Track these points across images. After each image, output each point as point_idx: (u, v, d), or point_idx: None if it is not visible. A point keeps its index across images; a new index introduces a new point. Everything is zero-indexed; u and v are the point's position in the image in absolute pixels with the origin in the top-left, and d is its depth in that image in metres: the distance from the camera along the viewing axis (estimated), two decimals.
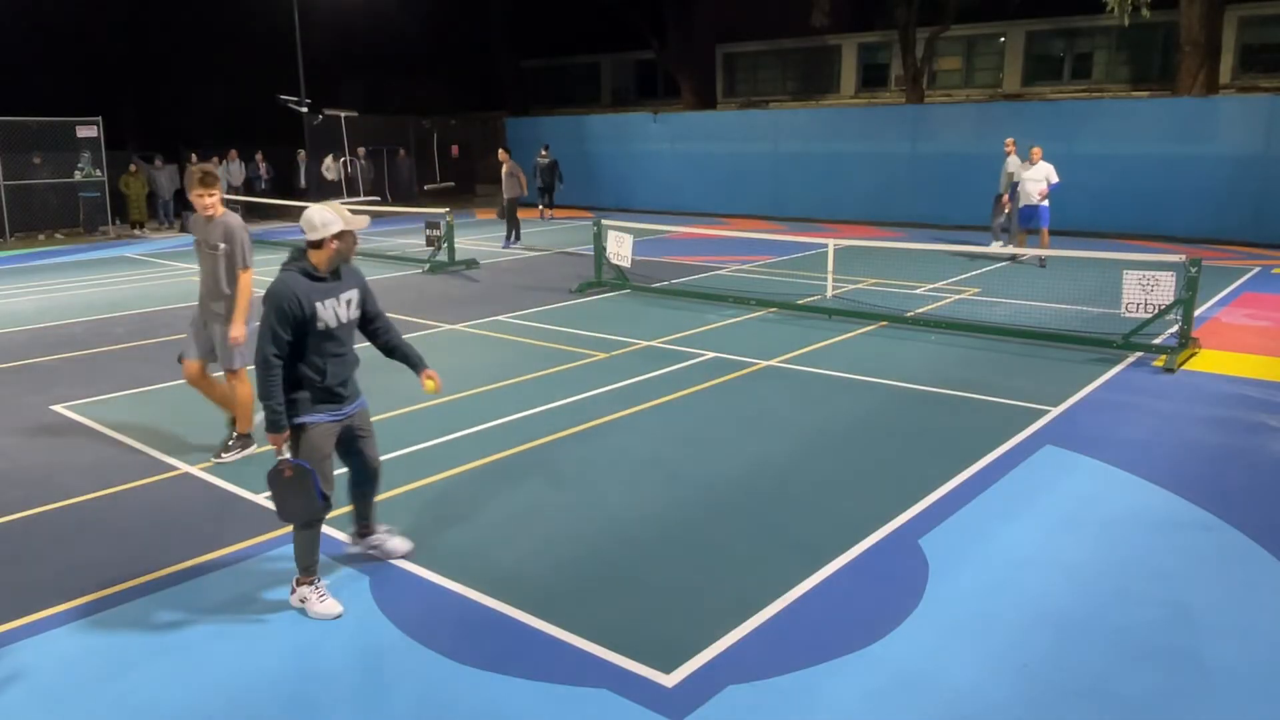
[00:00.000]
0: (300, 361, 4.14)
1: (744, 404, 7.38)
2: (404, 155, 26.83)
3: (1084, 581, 4.44)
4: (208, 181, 5.92)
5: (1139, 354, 8.62)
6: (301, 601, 4.26)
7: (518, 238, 18.03)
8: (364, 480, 4.60)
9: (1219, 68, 20.24)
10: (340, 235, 4.13)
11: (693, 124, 24.80)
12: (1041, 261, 13.89)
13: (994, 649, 3.88)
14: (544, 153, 22.80)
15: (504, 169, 17.94)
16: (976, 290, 12.20)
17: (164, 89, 33.86)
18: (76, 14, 30.25)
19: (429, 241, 15.06)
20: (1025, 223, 14.00)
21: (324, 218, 4.11)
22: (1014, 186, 14.13)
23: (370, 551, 4.73)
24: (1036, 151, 13.82)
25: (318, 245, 4.13)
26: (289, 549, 4.80)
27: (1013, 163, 14.67)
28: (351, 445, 4.45)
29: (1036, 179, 13.66)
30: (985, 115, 19.97)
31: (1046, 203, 13.70)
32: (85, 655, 3.92)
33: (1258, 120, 16.49)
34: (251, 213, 21.19)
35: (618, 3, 29.86)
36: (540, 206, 23.66)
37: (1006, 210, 14.65)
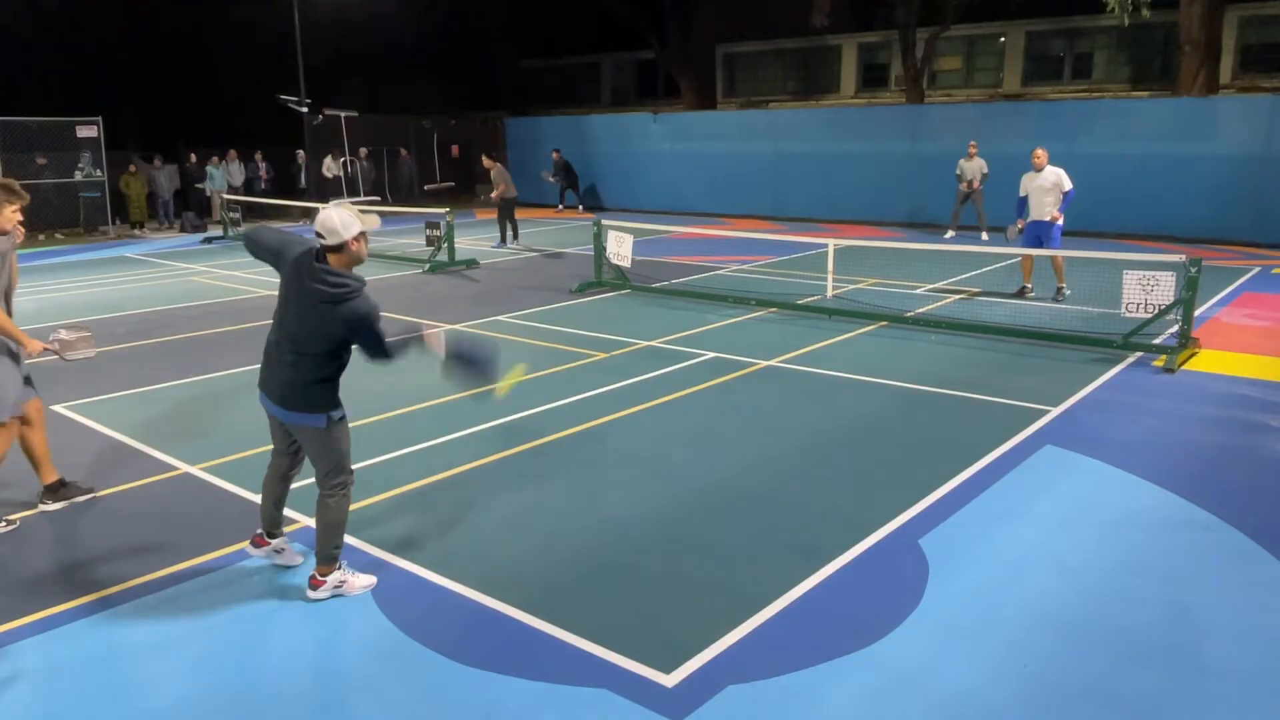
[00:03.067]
0: (339, 362, 4.23)
1: (744, 404, 7.38)
2: (405, 155, 26.83)
3: (1084, 581, 4.44)
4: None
5: (1139, 354, 8.62)
6: (338, 586, 4.35)
7: (515, 237, 18.07)
8: (296, 467, 4.59)
9: (1219, 68, 20.23)
10: (359, 237, 4.08)
11: (693, 124, 24.80)
12: (1059, 294, 11.35)
13: (994, 649, 3.88)
14: (556, 155, 24.72)
15: (492, 173, 17.95)
16: (976, 290, 12.20)
17: (164, 89, 33.87)
18: (77, 14, 30.26)
19: (429, 241, 15.07)
20: (1032, 245, 11.12)
21: (343, 219, 4.02)
22: (1023, 201, 11.21)
23: (274, 558, 4.71)
24: (1040, 155, 11.02)
25: (338, 249, 4.05)
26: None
27: (963, 163, 16.90)
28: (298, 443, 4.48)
29: (1044, 188, 10.93)
30: (985, 115, 19.95)
31: (1060, 221, 10.98)
32: (85, 655, 3.92)
33: (1258, 120, 16.49)
34: (251, 213, 21.21)
35: (618, 3, 29.86)
36: (559, 205, 25.13)
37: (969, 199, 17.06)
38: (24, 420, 5.26)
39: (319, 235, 4.05)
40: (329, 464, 4.30)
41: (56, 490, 5.46)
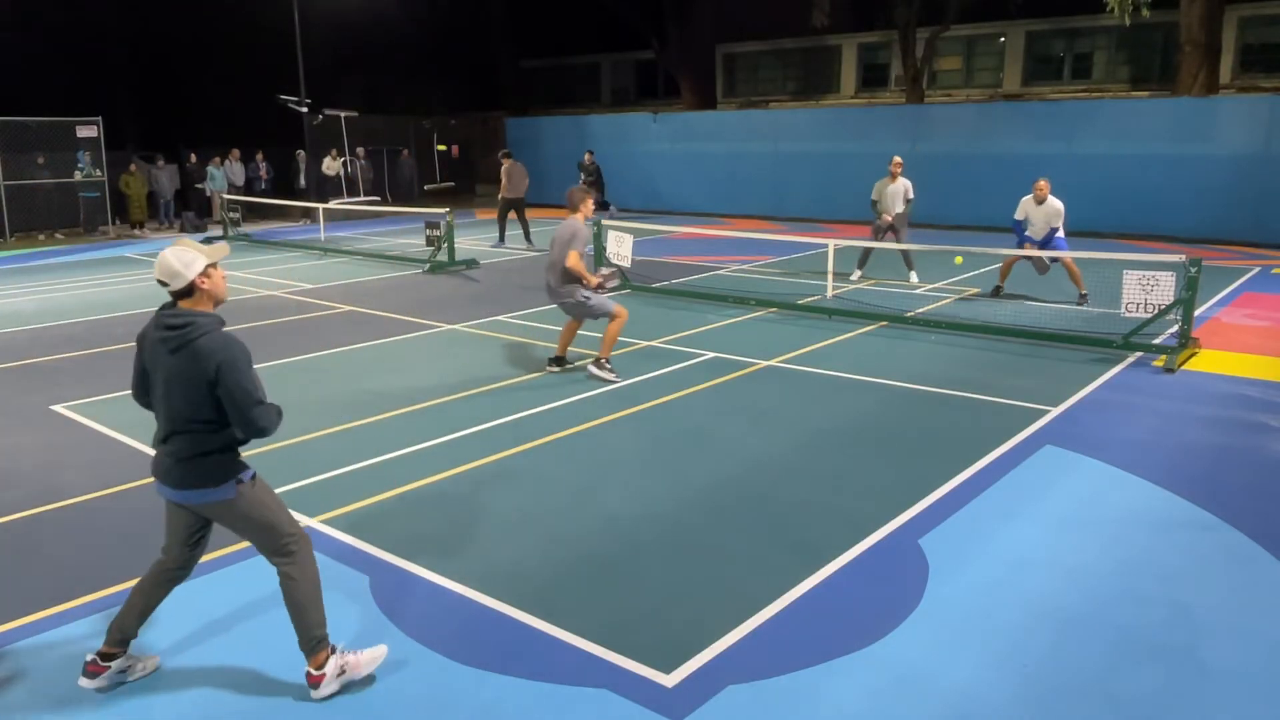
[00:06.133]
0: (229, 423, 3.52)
1: (744, 404, 7.38)
2: (406, 155, 26.83)
3: (1084, 581, 4.44)
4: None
5: (1139, 354, 8.62)
6: (342, 673, 3.65)
7: (526, 238, 18.16)
8: (187, 568, 3.81)
9: (1219, 68, 20.23)
10: (207, 271, 3.51)
11: (693, 124, 24.81)
12: (1081, 299, 11.18)
13: (994, 649, 3.88)
14: (588, 156, 23.07)
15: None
16: (976, 290, 12.20)
17: (164, 89, 33.87)
18: (77, 14, 30.25)
19: (429, 241, 15.07)
20: (1037, 245, 11.16)
21: (182, 258, 3.46)
22: (1017, 224, 11.32)
23: (117, 679, 3.74)
24: (1043, 186, 11.00)
25: (187, 293, 3.49)
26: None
27: (882, 187, 12.58)
28: (202, 532, 3.78)
29: (1038, 223, 11.11)
30: (985, 115, 19.96)
31: (1061, 233, 11.09)
32: (85, 655, 3.91)
33: (1258, 120, 16.49)
34: (251, 212, 21.23)
35: (618, 3, 29.85)
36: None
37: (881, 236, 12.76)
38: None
39: (162, 284, 3.52)
40: (265, 534, 3.63)
41: (561, 362, 8.33)
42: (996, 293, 11.80)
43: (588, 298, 8.07)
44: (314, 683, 3.63)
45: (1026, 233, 11.29)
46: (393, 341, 9.64)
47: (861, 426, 6.82)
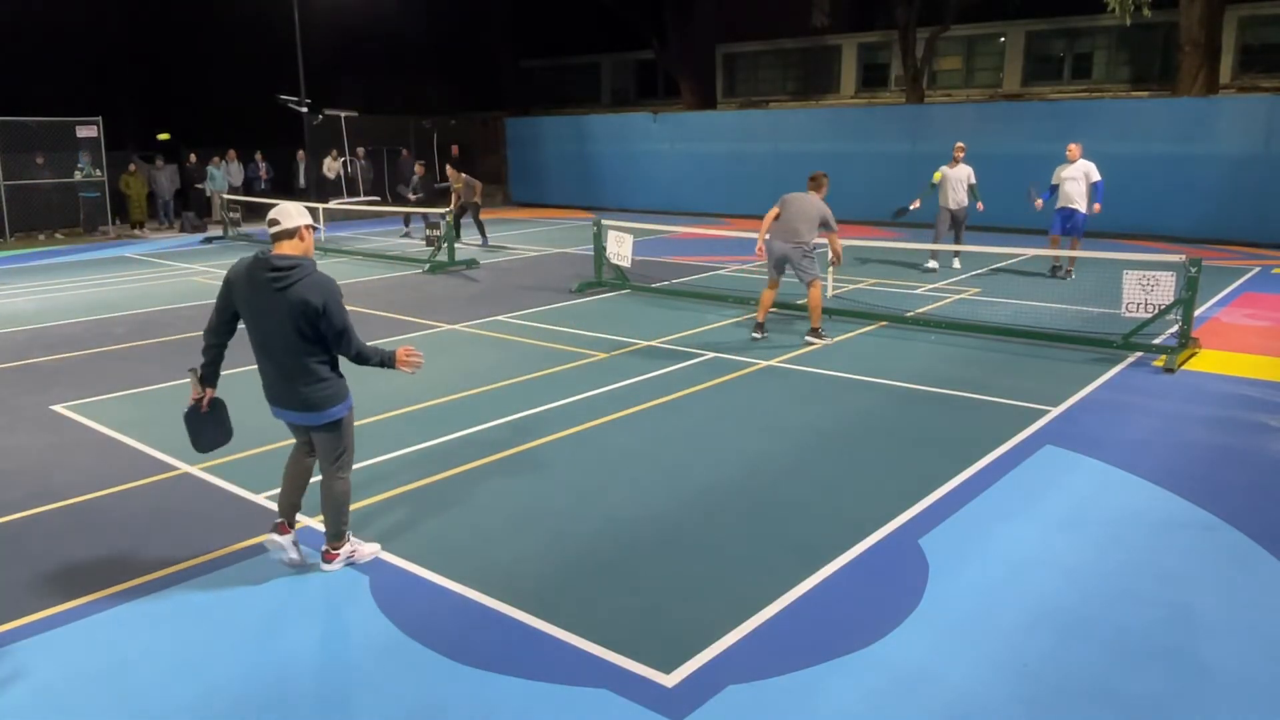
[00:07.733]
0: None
1: (744, 404, 7.38)
2: (406, 155, 26.81)
3: (1084, 582, 4.44)
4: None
5: (1139, 354, 8.62)
6: (350, 556, 4.64)
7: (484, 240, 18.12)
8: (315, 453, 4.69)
9: (1219, 68, 20.24)
10: (310, 227, 4.36)
11: (693, 124, 24.80)
12: (1068, 272, 12.72)
13: (994, 649, 3.88)
14: (419, 169, 19.50)
15: (459, 183, 17.80)
16: (976, 290, 12.20)
17: (164, 89, 33.88)
18: (77, 14, 30.26)
19: (429, 241, 15.07)
20: (1062, 228, 12.44)
21: (296, 208, 4.34)
22: (1053, 189, 12.49)
23: (288, 553, 4.65)
24: (1072, 149, 12.30)
25: (291, 234, 4.26)
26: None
27: (947, 171, 13.37)
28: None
29: (1074, 178, 12.24)
30: (985, 115, 19.97)
31: (1096, 210, 12.23)
32: (85, 655, 3.92)
33: (1258, 120, 16.49)
34: (251, 213, 21.20)
35: (618, 3, 29.86)
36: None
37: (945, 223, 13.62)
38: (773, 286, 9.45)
39: (272, 224, 4.27)
40: (342, 449, 4.52)
41: (814, 333, 9.21)
42: (1054, 272, 12.90)
43: (813, 259, 9.12)
44: (329, 559, 4.60)
45: (1058, 204, 12.39)
46: (392, 341, 9.64)
47: (861, 426, 6.82)
